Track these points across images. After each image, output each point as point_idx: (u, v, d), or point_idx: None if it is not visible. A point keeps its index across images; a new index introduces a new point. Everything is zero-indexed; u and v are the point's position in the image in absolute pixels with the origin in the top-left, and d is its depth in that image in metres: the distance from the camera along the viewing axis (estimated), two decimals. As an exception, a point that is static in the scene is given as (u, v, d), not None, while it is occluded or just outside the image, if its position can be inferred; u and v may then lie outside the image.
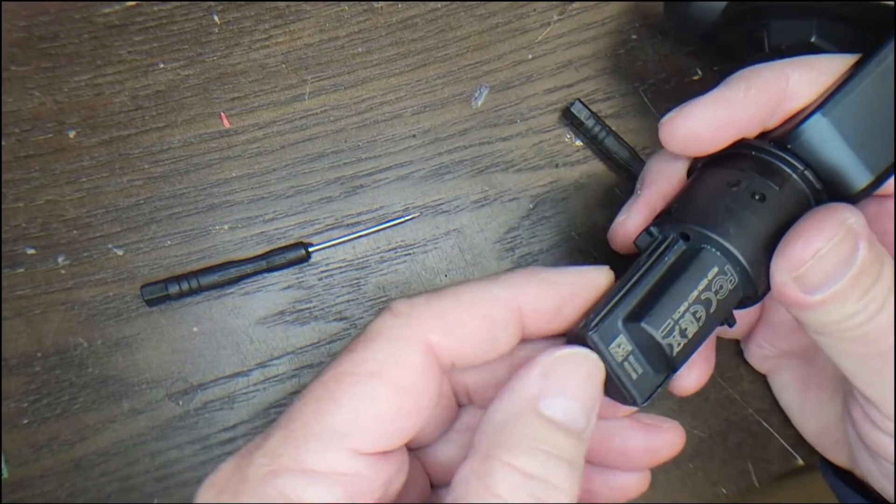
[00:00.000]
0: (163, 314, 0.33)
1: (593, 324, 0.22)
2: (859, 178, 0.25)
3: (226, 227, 0.33)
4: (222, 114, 0.34)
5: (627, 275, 0.24)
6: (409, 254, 0.34)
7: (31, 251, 0.32)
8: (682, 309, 0.23)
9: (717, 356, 0.35)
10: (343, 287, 0.34)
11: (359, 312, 0.33)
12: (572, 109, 0.34)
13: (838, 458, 0.31)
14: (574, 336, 0.23)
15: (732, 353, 0.35)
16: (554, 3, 0.35)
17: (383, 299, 0.33)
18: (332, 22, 0.34)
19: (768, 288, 0.24)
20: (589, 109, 0.34)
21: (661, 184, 0.28)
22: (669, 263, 0.24)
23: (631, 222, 0.28)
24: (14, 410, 0.32)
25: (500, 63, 0.35)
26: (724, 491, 0.35)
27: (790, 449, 0.34)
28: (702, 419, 0.35)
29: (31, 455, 0.32)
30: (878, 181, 0.25)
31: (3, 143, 0.33)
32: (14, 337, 0.32)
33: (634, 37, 0.35)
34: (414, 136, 0.34)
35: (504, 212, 0.34)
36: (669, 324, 0.23)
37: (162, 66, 0.33)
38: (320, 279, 0.33)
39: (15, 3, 0.33)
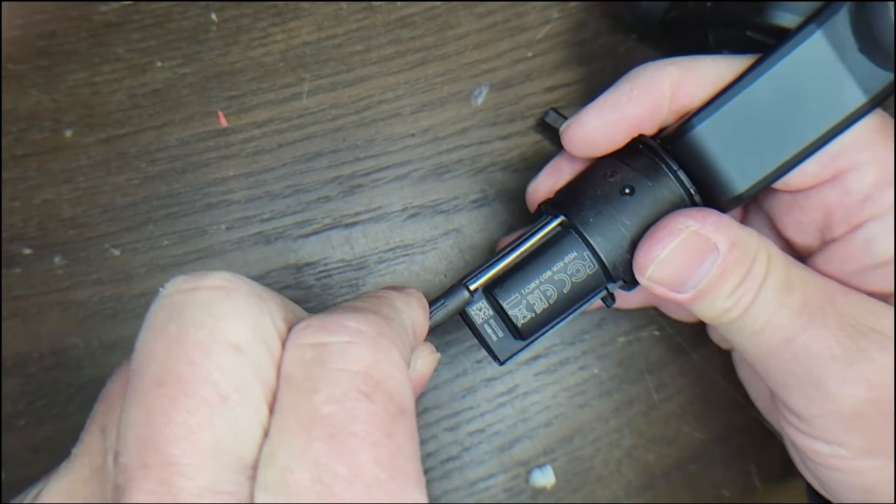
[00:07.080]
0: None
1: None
2: (731, 186, 0.25)
3: (223, 226, 0.33)
4: (220, 112, 0.33)
5: (512, 244, 0.26)
6: (408, 254, 0.34)
7: (27, 251, 0.32)
8: (532, 286, 0.25)
9: (719, 358, 0.35)
10: (341, 287, 0.33)
11: (357, 313, 0.33)
12: (547, 119, 0.34)
13: None
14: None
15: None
16: (553, 1, 0.35)
17: (382, 299, 0.33)
18: (331, 20, 0.34)
19: None
20: (564, 117, 0.33)
21: (570, 157, 0.29)
22: (538, 241, 0.26)
23: (540, 186, 0.30)
24: (10, 412, 0.32)
25: (500, 61, 0.35)
26: (726, 493, 0.34)
27: (793, 451, 0.34)
28: (703, 421, 0.34)
29: (29, 457, 0.32)
30: (750, 192, 0.25)
31: (0, 142, 0.32)
32: (10, 338, 0.32)
33: (634, 36, 0.35)
34: (413, 135, 0.34)
35: (503, 211, 0.34)
36: (517, 297, 0.25)
37: (159, 64, 0.33)
38: (318, 279, 0.33)
39: (12, 2, 0.33)
